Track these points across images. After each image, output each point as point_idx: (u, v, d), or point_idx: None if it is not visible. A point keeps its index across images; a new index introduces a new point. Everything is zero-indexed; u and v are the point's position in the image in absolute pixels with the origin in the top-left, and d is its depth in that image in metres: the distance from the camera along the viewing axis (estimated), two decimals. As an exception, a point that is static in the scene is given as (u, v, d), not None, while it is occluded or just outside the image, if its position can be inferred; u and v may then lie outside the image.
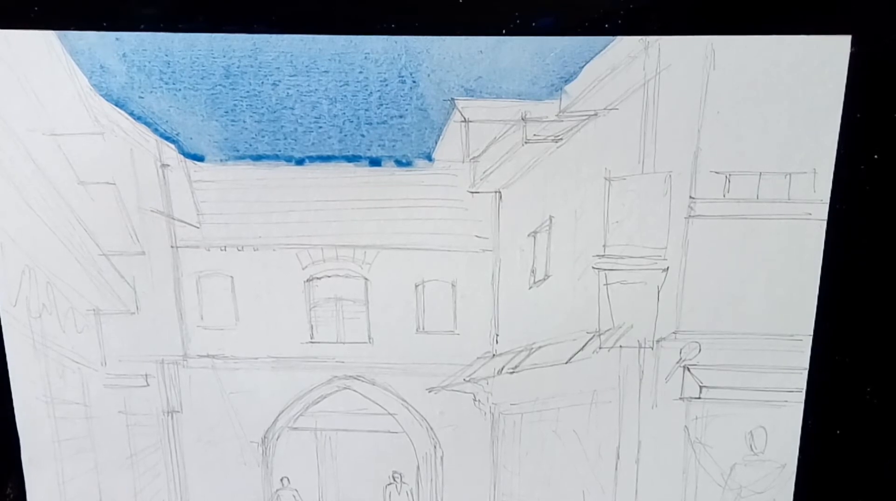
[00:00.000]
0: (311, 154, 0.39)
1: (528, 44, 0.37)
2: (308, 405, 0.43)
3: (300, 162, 0.39)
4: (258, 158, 0.39)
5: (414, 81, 0.38)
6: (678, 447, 0.44)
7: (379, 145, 0.39)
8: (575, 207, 0.40)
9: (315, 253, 0.41)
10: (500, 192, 0.40)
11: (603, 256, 0.41)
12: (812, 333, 0.41)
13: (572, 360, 0.42)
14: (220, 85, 0.38)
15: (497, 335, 0.42)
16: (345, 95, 0.38)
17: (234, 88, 0.38)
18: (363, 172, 0.39)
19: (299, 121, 0.39)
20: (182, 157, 0.39)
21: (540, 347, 0.42)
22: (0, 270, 0.41)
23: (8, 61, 0.38)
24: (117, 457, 0.45)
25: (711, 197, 0.39)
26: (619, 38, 0.37)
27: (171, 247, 0.41)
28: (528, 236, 0.40)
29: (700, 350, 0.42)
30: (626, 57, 0.37)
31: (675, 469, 0.44)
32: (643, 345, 0.42)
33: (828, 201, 0.39)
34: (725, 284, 0.41)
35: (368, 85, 0.38)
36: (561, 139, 0.39)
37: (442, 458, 0.44)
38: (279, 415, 0.44)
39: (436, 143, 0.39)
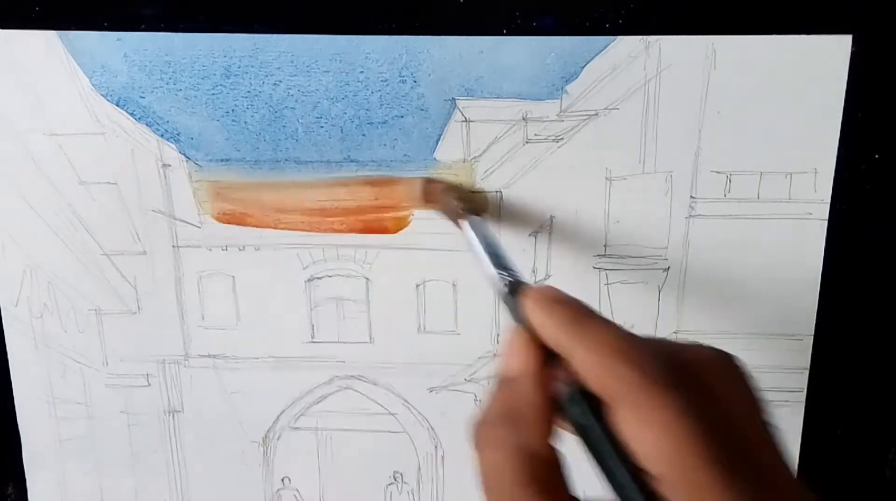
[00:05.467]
0: (312, 153, 0.39)
1: (529, 44, 0.37)
2: (309, 404, 0.43)
3: (301, 161, 0.39)
4: (259, 157, 0.39)
5: (415, 81, 0.38)
6: (679, 446, 0.44)
7: (380, 145, 0.39)
8: (575, 206, 0.40)
9: (316, 253, 0.41)
10: (500, 192, 0.40)
11: (604, 255, 0.41)
12: (813, 333, 0.41)
13: (573, 360, 0.42)
14: (220, 85, 0.38)
15: (498, 335, 0.42)
16: (345, 95, 0.38)
17: (234, 88, 0.38)
18: (364, 171, 0.39)
19: (300, 120, 0.39)
20: (183, 157, 0.39)
21: (541, 347, 0.42)
22: (1, 270, 0.41)
23: (9, 61, 0.38)
24: (118, 457, 0.45)
25: (712, 197, 0.39)
26: (619, 37, 0.37)
27: (173, 247, 0.41)
28: (529, 235, 0.40)
29: (701, 350, 0.42)
30: (626, 57, 0.37)
31: (675, 469, 0.44)
32: (644, 345, 0.42)
33: (829, 200, 0.39)
34: (726, 284, 0.41)
35: (369, 85, 0.38)
36: (562, 139, 0.39)
37: (443, 458, 0.44)
38: (280, 415, 0.44)
39: (437, 142, 0.39)
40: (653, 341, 0.26)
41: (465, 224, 0.36)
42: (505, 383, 0.26)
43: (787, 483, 0.24)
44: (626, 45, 0.37)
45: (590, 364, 0.24)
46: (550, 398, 0.25)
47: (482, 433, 0.25)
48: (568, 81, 0.38)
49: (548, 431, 0.25)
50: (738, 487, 0.22)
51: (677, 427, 0.22)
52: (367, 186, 0.40)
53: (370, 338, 0.42)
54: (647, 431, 0.22)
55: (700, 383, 0.24)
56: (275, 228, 0.40)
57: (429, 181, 0.39)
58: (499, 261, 0.33)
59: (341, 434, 0.44)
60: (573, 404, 0.25)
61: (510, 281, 0.31)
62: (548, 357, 0.26)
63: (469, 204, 0.37)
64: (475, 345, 0.42)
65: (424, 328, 0.42)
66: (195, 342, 0.43)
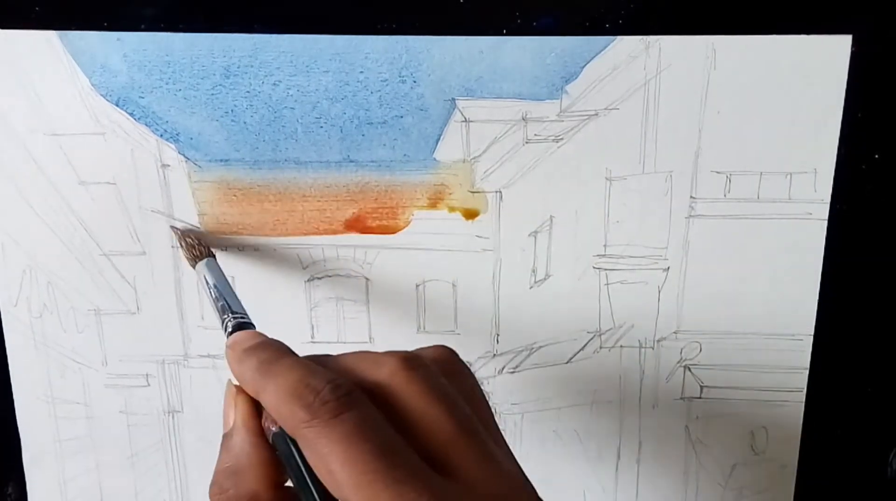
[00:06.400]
0: (312, 153, 0.39)
1: (529, 44, 0.37)
2: (309, 404, 0.43)
3: (301, 162, 0.39)
4: (258, 157, 0.39)
5: (414, 81, 0.38)
6: (679, 447, 0.44)
7: (379, 145, 0.39)
8: (575, 206, 0.40)
9: (316, 253, 0.41)
10: (500, 192, 0.40)
11: (603, 255, 0.41)
12: (812, 333, 0.41)
13: (573, 360, 0.42)
14: (220, 85, 0.38)
15: (498, 335, 0.42)
16: (345, 95, 0.38)
17: (234, 88, 0.38)
18: (364, 171, 0.39)
19: (299, 120, 0.39)
20: (182, 157, 0.39)
21: (541, 347, 0.42)
22: (1, 270, 0.41)
23: (9, 61, 0.38)
24: (118, 457, 0.45)
25: (712, 197, 0.39)
26: (619, 37, 0.37)
27: (172, 247, 0.41)
28: (529, 235, 0.40)
29: (701, 350, 0.42)
30: (626, 57, 0.37)
31: (675, 469, 0.44)
32: (644, 345, 0.42)
33: (828, 200, 0.39)
34: (726, 283, 0.41)
35: (369, 85, 0.38)
36: (562, 139, 0.39)
37: (442, 458, 0.44)
38: (280, 415, 0.44)
39: (436, 143, 0.39)
40: (340, 363, 0.27)
41: (198, 267, 0.37)
42: (224, 439, 0.27)
43: (488, 475, 0.24)
44: (626, 45, 0.37)
45: (272, 410, 0.25)
46: (265, 444, 0.26)
47: (213, 492, 0.26)
48: (568, 81, 0.38)
49: (269, 476, 0.26)
50: (418, 491, 0.22)
51: (343, 453, 0.23)
52: (367, 186, 0.40)
53: (370, 338, 0.42)
54: (320, 463, 0.23)
55: (383, 395, 0.25)
56: (276, 236, 0.40)
57: (171, 228, 0.40)
58: (228, 304, 0.34)
59: (341, 434, 0.44)
60: (276, 445, 0.26)
61: (234, 323, 0.32)
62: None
63: (198, 248, 0.39)
64: (475, 345, 0.42)
65: (424, 328, 0.42)
66: (195, 342, 0.43)
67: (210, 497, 0.27)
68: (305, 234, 0.40)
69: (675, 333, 0.42)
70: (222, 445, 0.27)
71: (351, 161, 0.39)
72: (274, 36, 0.37)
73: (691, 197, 0.39)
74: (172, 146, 0.39)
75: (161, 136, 0.39)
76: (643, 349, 0.42)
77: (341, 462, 0.23)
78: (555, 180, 0.39)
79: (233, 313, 0.33)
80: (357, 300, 0.42)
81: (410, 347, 0.42)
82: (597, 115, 0.38)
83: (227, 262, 0.41)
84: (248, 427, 0.27)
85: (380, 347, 0.42)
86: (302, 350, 0.42)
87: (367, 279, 0.41)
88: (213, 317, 0.42)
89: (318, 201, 0.40)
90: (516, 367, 0.42)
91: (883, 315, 0.41)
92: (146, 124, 0.39)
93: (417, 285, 0.41)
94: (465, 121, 0.38)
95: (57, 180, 0.40)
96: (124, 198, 0.40)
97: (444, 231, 0.40)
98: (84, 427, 0.44)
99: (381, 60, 0.37)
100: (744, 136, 0.38)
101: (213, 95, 0.38)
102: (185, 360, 0.43)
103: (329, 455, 0.23)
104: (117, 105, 0.39)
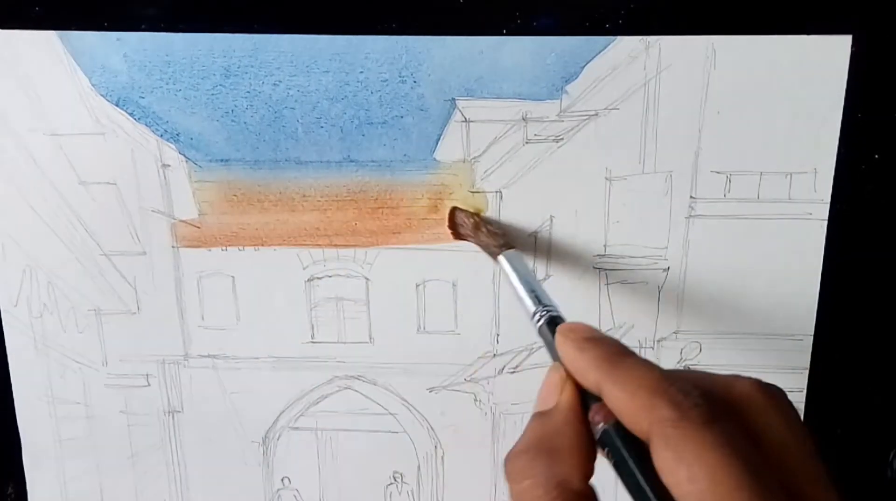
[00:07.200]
0: (312, 153, 0.39)
1: (529, 44, 0.37)
2: (309, 405, 0.43)
3: (301, 162, 0.39)
4: (259, 157, 0.39)
5: (415, 81, 0.38)
6: (679, 446, 0.44)
7: (379, 145, 0.39)
8: (575, 206, 0.40)
9: (316, 253, 0.41)
10: (500, 192, 0.40)
11: (603, 255, 0.41)
12: (813, 333, 0.41)
13: (573, 360, 0.42)
14: (220, 85, 0.38)
15: (498, 335, 0.42)
16: (345, 95, 0.38)
17: (234, 88, 0.38)
18: (364, 171, 0.39)
19: (300, 120, 0.39)
20: (183, 157, 0.39)
21: (541, 347, 0.42)
22: (1, 270, 0.41)
23: (9, 61, 0.38)
24: (118, 457, 0.45)
25: (712, 197, 0.39)
26: (619, 37, 0.37)
27: (172, 247, 0.41)
28: (529, 235, 0.40)
29: (701, 350, 0.42)
30: (626, 57, 0.37)
31: (675, 469, 0.44)
32: (644, 345, 0.42)
33: (828, 200, 0.39)
34: (726, 284, 0.41)
35: (369, 85, 0.38)
36: (562, 139, 0.39)
37: (443, 458, 0.44)
38: (280, 415, 0.44)
39: (437, 143, 0.39)
40: (690, 375, 0.26)
41: (501, 259, 0.36)
42: (540, 416, 0.26)
43: None
44: (626, 45, 0.37)
45: (622, 402, 0.24)
46: (587, 433, 0.25)
47: (518, 464, 0.25)
48: (568, 81, 0.38)
49: (584, 466, 0.25)
50: None
51: (713, 462, 0.21)
52: (367, 186, 0.40)
53: (370, 338, 0.42)
54: (681, 466, 0.22)
55: (740, 416, 0.24)
56: (276, 236, 0.40)
57: (456, 213, 0.39)
58: (535, 295, 0.33)
59: (341, 434, 0.44)
60: (608, 440, 0.25)
61: (546, 316, 0.32)
62: (587, 395, 0.26)
63: (502, 237, 0.37)
64: (475, 345, 0.42)
65: (424, 328, 0.42)
66: (195, 342, 0.43)
67: (506, 472, 0.25)
68: (306, 234, 0.40)
69: (675, 333, 0.42)
70: (533, 423, 0.26)
71: (351, 161, 0.39)
72: (274, 36, 0.37)
73: (691, 197, 0.39)
74: (173, 146, 0.39)
75: (161, 136, 0.39)
76: (643, 349, 0.42)
77: (711, 470, 0.21)
78: (555, 180, 0.39)
79: (544, 305, 0.33)
80: (357, 300, 0.42)
81: (410, 347, 0.42)
82: (597, 115, 0.38)
83: (228, 262, 0.41)
84: (573, 412, 0.26)
85: (380, 347, 0.42)
86: (302, 350, 0.43)
87: (367, 279, 0.41)
88: (215, 317, 0.42)
89: (319, 200, 0.40)
90: (516, 367, 0.42)
91: (883, 315, 0.41)
92: (146, 124, 0.39)
93: (417, 285, 0.41)
94: (465, 121, 0.38)
95: (57, 180, 0.40)
96: (124, 198, 0.40)
97: (445, 231, 0.40)
98: (84, 427, 0.44)
99: (381, 60, 0.37)
100: (744, 136, 0.38)
101: (213, 95, 0.38)
102: (186, 360, 0.43)
103: (696, 460, 0.22)
104: (117, 105, 0.39)
